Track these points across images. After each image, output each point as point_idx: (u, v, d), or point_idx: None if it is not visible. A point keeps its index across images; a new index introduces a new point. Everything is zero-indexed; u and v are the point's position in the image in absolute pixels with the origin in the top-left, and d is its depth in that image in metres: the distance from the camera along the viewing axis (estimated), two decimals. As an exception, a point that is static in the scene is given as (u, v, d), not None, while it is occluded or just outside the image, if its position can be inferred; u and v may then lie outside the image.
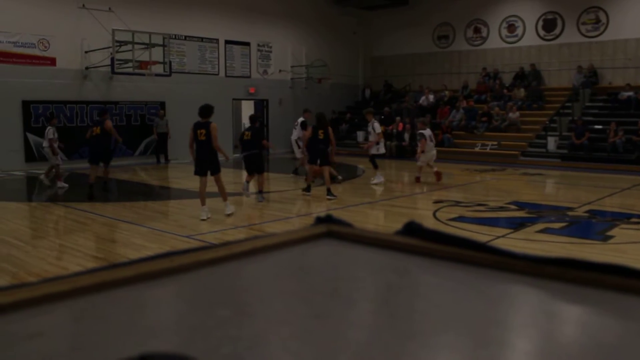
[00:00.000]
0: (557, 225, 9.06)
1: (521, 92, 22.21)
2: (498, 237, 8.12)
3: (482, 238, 7.75)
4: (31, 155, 17.34)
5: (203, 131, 9.40)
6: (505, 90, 22.69)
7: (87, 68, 18.25)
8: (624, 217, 9.67)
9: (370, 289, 1.00)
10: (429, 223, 8.63)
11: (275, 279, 1.04)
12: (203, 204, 9.68)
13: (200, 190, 9.71)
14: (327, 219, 1.27)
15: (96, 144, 12.35)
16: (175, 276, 0.98)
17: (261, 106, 24.18)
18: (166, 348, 0.69)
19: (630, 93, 19.77)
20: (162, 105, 20.02)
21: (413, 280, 1.04)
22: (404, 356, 0.72)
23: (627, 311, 0.87)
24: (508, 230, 8.70)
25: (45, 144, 13.24)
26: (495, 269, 1.03)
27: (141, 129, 19.64)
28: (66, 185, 13.16)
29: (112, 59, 17.43)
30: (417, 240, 1.15)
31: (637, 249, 7.63)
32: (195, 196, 12.34)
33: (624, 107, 19.64)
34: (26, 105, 17.18)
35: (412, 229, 1.20)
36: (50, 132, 13.05)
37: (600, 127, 19.07)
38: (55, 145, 13.04)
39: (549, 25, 22.89)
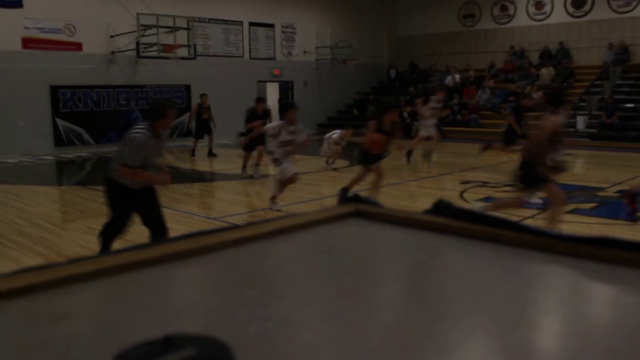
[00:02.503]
0: (586, 206, 8.91)
1: (551, 71, 21.83)
2: (526, 218, 8.03)
3: (511, 219, 7.64)
4: (60, 139, 17.54)
5: None
6: (533, 69, 22.33)
7: (112, 52, 18.34)
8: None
9: (399, 269, 0.98)
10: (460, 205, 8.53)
11: (303, 259, 1.02)
12: None
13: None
14: (355, 199, 1.25)
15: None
16: (201, 257, 0.97)
17: (286, 88, 24.14)
18: (192, 329, 0.69)
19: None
20: (188, 88, 20.08)
21: (442, 260, 1.02)
22: (434, 336, 0.71)
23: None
24: (536, 212, 8.60)
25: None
26: (526, 248, 1.00)
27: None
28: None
29: (137, 43, 17.48)
30: (446, 219, 1.13)
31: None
32: (222, 179, 12.40)
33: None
34: (54, 90, 17.35)
35: (441, 208, 1.17)
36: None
37: (631, 105, 18.68)
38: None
39: (578, 1, 22.41)
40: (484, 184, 10.85)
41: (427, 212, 1.18)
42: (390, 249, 1.07)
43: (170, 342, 0.59)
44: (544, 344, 0.72)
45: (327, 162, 13.03)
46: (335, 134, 13.09)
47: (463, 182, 11.06)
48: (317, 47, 24.50)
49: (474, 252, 1.02)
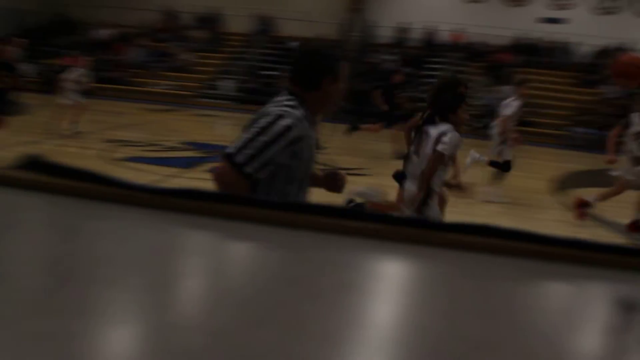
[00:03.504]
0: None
1: (200, 34, 22.57)
2: (168, 177, 8.18)
3: (153, 177, 7.70)
4: None
5: None
6: (185, 31, 22.84)
7: None
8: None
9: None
10: (97, 164, 8.27)
11: None
12: None
13: None
14: None
15: None
16: None
17: None
18: None
19: (297, 43, 21.52)
20: None
21: (22, 218, 0.91)
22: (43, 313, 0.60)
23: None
24: (179, 170, 8.82)
25: None
26: (130, 205, 0.95)
27: None
28: None
29: None
30: (40, 175, 1.02)
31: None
32: None
33: (292, 55, 21.24)
34: None
35: (33, 162, 1.06)
36: None
37: (273, 72, 20.30)
38: None
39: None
40: (129, 143, 10.75)
41: (17, 167, 1.06)
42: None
43: None
44: (182, 301, 0.68)
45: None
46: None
47: (107, 141, 10.78)
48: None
49: (65, 206, 0.94)
